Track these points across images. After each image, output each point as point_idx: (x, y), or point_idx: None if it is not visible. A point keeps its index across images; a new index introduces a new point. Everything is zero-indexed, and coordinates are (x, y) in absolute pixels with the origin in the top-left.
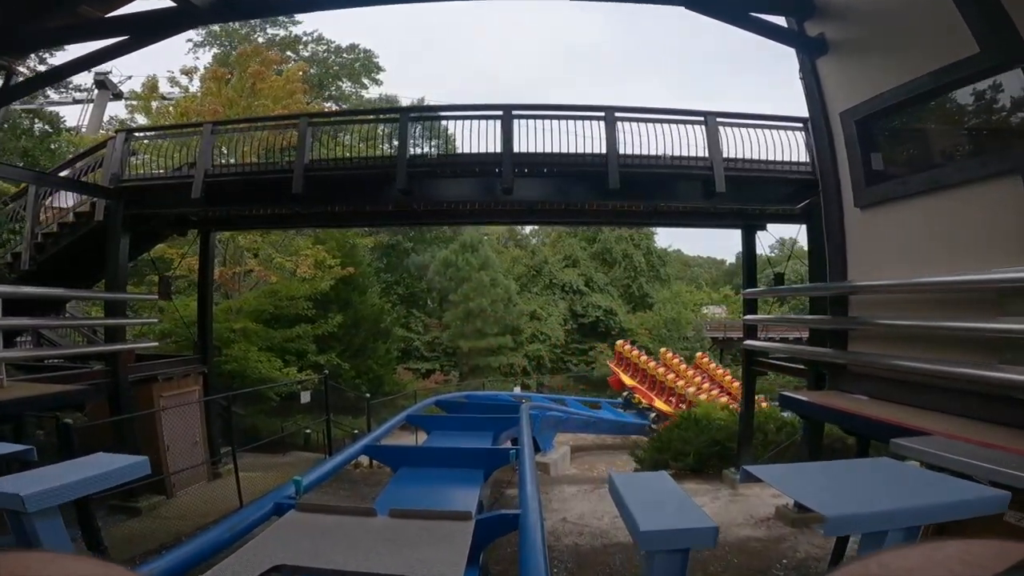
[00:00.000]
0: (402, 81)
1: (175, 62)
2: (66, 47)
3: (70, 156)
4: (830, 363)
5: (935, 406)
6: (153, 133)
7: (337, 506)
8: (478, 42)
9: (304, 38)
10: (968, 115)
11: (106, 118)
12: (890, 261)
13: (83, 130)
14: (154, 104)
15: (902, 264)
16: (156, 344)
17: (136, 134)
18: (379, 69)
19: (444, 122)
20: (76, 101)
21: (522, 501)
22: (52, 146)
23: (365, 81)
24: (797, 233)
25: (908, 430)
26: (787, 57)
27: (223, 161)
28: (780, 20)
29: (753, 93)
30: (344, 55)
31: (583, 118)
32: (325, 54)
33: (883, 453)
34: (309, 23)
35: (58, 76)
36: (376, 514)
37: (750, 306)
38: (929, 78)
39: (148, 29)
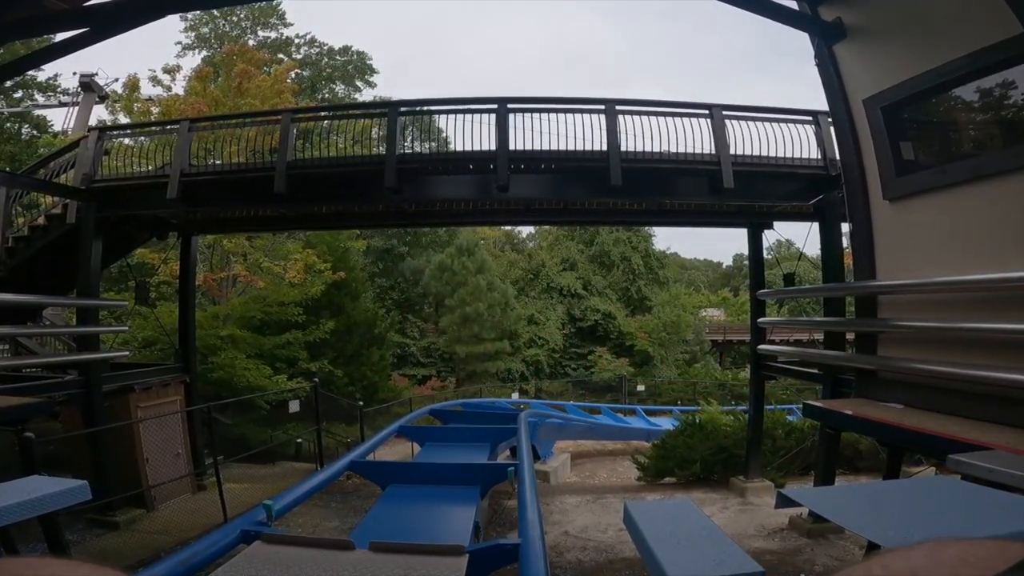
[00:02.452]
0: (396, 85)
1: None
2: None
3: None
4: (857, 368)
5: (987, 416)
6: (128, 131)
7: (309, 538)
8: (474, 48)
9: (296, 40)
10: (1016, 97)
11: (93, 121)
12: (926, 256)
13: (69, 133)
14: (136, 105)
15: (941, 259)
16: (127, 353)
17: (110, 133)
18: (372, 71)
19: (437, 119)
20: (62, 104)
21: (522, 528)
22: (41, 150)
23: (359, 83)
24: (808, 232)
25: (966, 444)
26: (790, 58)
27: (212, 162)
28: (792, 4)
29: (754, 97)
30: (337, 57)
31: (582, 111)
32: (318, 56)
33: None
34: (301, 25)
35: (14, 71)
36: (354, 547)
37: (759, 308)
38: (965, 61)
39: (110, 20)
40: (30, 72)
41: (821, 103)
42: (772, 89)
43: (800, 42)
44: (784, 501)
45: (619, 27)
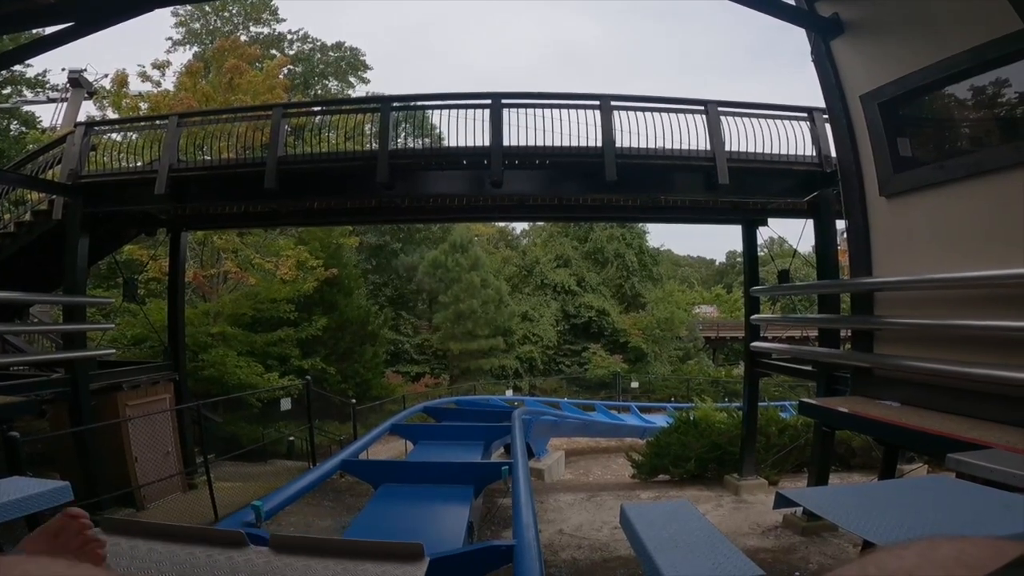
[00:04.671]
0: (389, 82)
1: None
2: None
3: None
4: (853, 366)
5: (985, 415)
6: (116, 127)
7: (157, 524)
8: (469, 46)
9: (289, 36)
10: (1016, 93)
11: (82, 117)
12: (924, 253)
13: (58, 129)
14: (124, 101)
15: (938, 256)
16: (113, 351)
17: (97, 128)
18: (366, 67)
19: (430, 115)
20: (51, 100)
21: (516, 529)
22: (29, 146)
23: (352, 80)
24: (802, 228)
25: (965, 443)
26: (786, 58)
27: (201, 158)
28: None
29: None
30: (330, 53)
31: (577, 106)
32: (311, 52)
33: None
34: (294, 21)
35: None
36: (247, 543)
37: (754, 305)
38: (965, 57)
39: (96, 14)
40: (18, 68)
41: (805, 103)
42: (759, 93)
43: (785, 45)
44: (783, 502)
45: (609, 28)
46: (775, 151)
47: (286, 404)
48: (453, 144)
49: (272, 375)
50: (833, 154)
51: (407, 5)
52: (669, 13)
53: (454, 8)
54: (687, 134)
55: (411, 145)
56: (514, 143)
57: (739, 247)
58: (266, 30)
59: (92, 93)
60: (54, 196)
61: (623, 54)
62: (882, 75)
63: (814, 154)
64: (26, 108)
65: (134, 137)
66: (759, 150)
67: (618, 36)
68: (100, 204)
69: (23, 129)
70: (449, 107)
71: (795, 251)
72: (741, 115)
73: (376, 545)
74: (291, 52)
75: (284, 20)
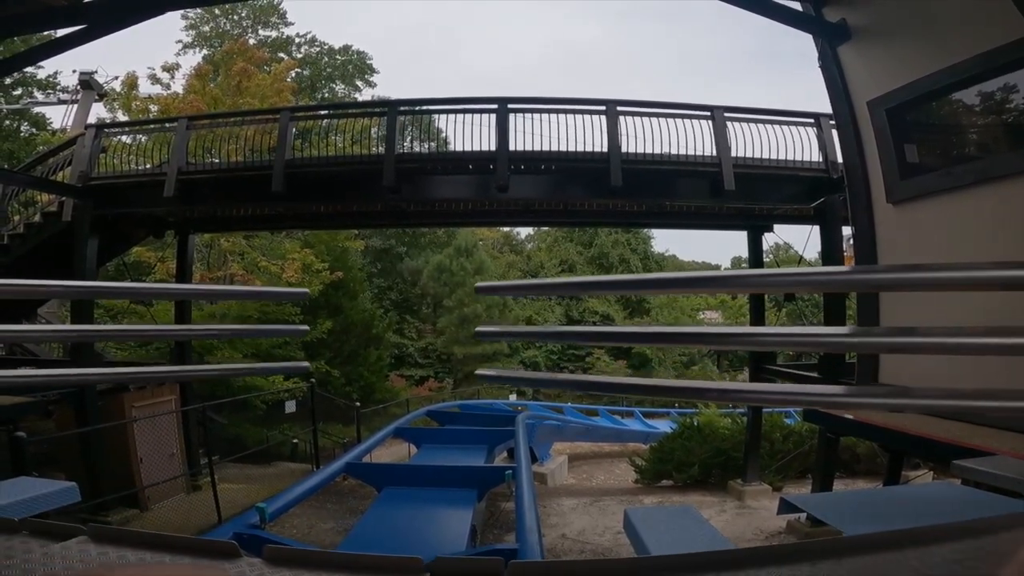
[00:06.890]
0: (395, 85)
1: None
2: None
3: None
4: (858, 370)
5: (990, 421)
6: (126, 129)
7: (167, 537)
8: (474, 47)
9: (297, 39)
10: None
11: (92, 118)
12: (930, 260)
13: (68, 130)
14: (134, 103)
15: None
16: (307, 365)
17: (107, 130)
18: (372, 71)
19: (436, 119)
20: (61, 102)
21: (520, 533)
22: (39, 148)
23: (358, 83)
24: (808, 235)
25: (970, 450)
26: (785, 60)
27: (210, 161)
28: (796, 5)
29: (750, 101)
30: (337, 56)
31: (583, 112)
32: (318, 55)
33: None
34: (302, 25)
35: (10, 67)
36: (240, 554)
37: (759, 311)
38: (972, 63)
39: (107, 17)
40: (30, 69)
41: (806, 106)
42: (759, 96)
43: (783, 46)
44: (786, 507)
45: (610, 28)
46: (781, 157)
47: (290, 407)
48: (459, 148)
49: (276, 377)
50: (840, 160)
51: (407, 5)
52: (669, 14)
53: (454, 8)
54: (693, 139)
55: (417, 149)
56: (520, 147)
57: (744, 253)
58: (274, 33)
59: (102, 95)
60: (64, 198)
61: (623, 55)
62: (889, 81)
63: (821, 160)
64: (36, 110)
65: (143, 139)
66: (765, 156)
67: (619, 37)
68: (109, 206)
69: (33, 130)
70: (455, 111)
71: (800, 257)
72: (747, 121)
73: (373, 558)
74: (299, 55)
75: (292, 24)
